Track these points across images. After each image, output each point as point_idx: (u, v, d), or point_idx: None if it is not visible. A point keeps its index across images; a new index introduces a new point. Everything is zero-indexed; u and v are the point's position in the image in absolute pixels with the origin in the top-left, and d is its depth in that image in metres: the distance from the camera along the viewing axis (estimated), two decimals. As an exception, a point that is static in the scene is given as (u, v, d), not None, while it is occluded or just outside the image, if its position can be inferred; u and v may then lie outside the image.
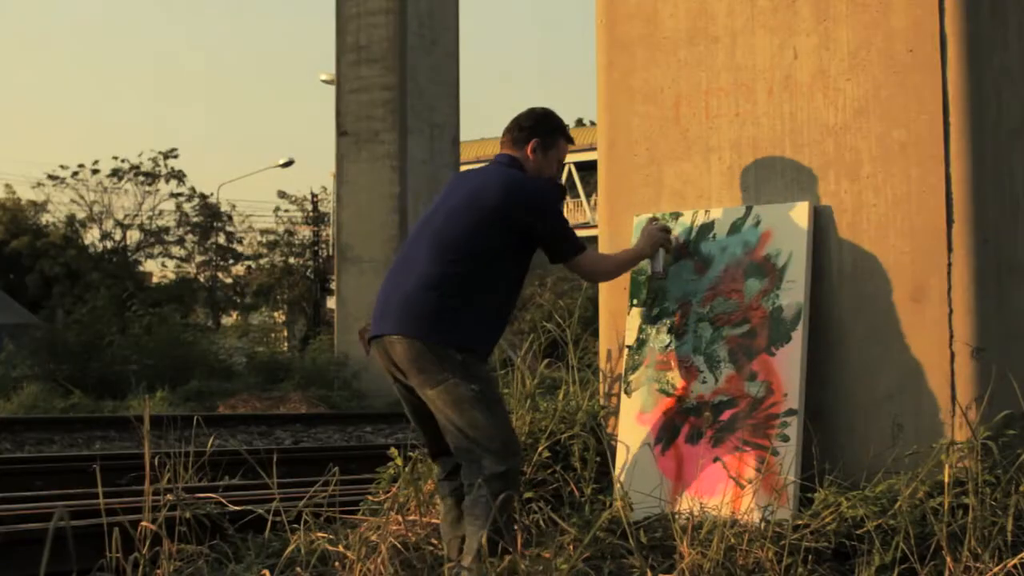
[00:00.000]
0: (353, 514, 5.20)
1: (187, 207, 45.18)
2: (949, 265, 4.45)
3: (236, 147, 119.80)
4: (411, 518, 5.02)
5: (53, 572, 3.68)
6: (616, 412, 4.99)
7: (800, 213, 4.69)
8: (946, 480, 4.09)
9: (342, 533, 4.84)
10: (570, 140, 4.78)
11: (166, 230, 44.97)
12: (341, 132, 25.15)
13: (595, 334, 5.27)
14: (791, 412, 4.51)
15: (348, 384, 23.53)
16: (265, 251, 49.16)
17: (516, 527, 4.43)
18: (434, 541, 4.81)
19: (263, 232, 49.06)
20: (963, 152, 4.48)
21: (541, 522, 4.68)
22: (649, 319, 4.94)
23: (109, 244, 43.99)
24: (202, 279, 46.73)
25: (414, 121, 24.57)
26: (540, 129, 4.69)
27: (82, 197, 43.38)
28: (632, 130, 5.21)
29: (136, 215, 44.06)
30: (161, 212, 44.56)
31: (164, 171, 43.92)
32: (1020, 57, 4.76)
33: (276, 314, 49.59)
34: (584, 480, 4.87)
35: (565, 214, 4.75)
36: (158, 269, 46.60)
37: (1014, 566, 3.86)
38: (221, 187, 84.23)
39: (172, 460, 4.94)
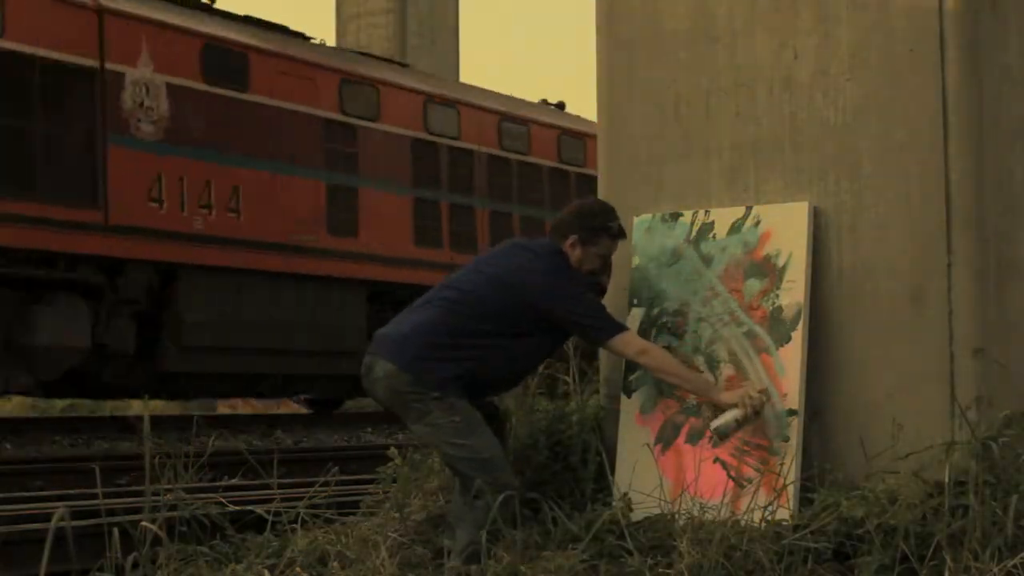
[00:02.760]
0: (353, 514, 5.20)
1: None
2: (949, 265, 4.45)
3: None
4: (411, 516, 5.02)
5: (53, 572, 3.68)
6: (616, 412, 4.98)
7: (800, 213, 4.69)
8: (946, 480, 4.09)
9: (342, 533, 4.84)
10: (618, 237, 4.77)
11: (166, 230, 44.96)
12: (341, 132, 25.09)
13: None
14: (791, 412, 4.51)
15: (348, 384, 23.47)
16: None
17: (514, 531, 4.44)
18: (433, 539, 4.81)
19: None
20: (963, 152, 4.48)
21: (542, 522, 4.68)
22: (649, 319, 4.94)
23: (109, 244, 43.95)
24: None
25: (414, 121, 24.53)
26: (578, 226, 4.72)
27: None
28: (632, 130, 5.21)
29: (136, 215, 44.03)
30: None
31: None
32: (1020, 57, 4.76)
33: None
34: (584, 480, 4.87)
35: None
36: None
37: (1014, 566, 3.86)
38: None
39: (172, 460, 4.94)
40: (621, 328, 4.63)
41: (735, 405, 4.47)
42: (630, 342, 4.62)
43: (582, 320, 4.60)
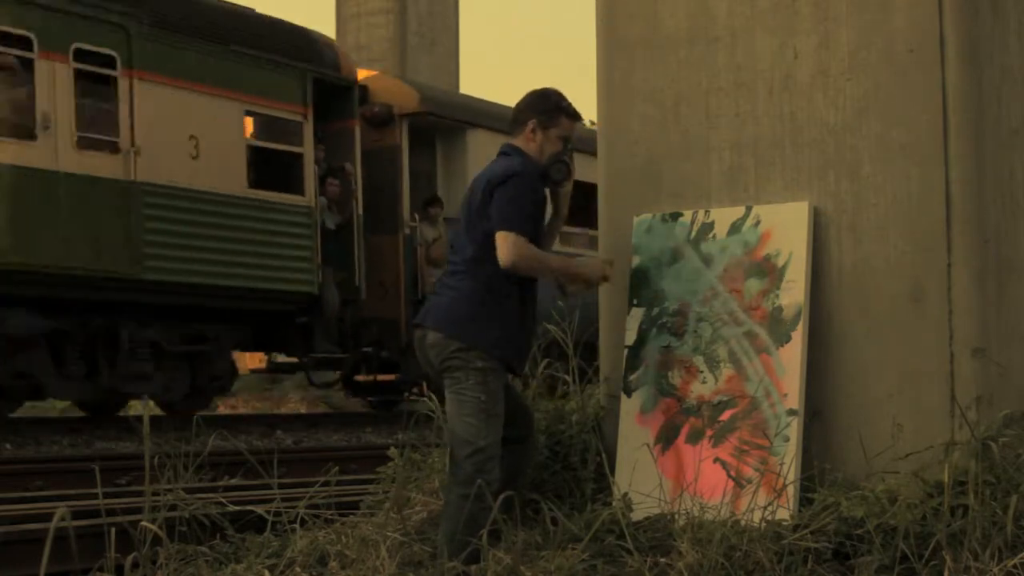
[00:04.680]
0: (353, 514, 5.20)
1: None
2: (949, 265, 4.45)
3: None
4: (411, 516, 5.02)
5: (53, 572, 3.68)
6: (616, 412, 4.98)
7: (800, 213, 4.69)
8: (946, 480, 4.09)
9: (342, 533, 4.84)
10: (574, 116, 4.80)
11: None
12: (342, 132, 25.12)
13: (595, 334, 5.27)
14: (791, 412, 4.51)
15: (349, 384, 23.46)
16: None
17: (515, 531, 4.44)
18: (433, 538, 4.81)
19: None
20: (963, 152, 4.48)
21: (542, 522, 4.68)
22: (649, 319, 4.94)
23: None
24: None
25: (415, 121, 24.58)
26: (536, 109, 4.75)
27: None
28: (632, 130, 5.21)
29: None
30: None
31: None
32: (1020, 57, 4.76)
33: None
34: (584, 480, 4.87)
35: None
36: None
37: (1014, 566, 3.86)
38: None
39: (172, 460, 4.94)
40: (518, 230, 4.53)
41: (580, 278, 4.78)
42: (513, 246, 4.50)
43: (502, 203, 4.54)
